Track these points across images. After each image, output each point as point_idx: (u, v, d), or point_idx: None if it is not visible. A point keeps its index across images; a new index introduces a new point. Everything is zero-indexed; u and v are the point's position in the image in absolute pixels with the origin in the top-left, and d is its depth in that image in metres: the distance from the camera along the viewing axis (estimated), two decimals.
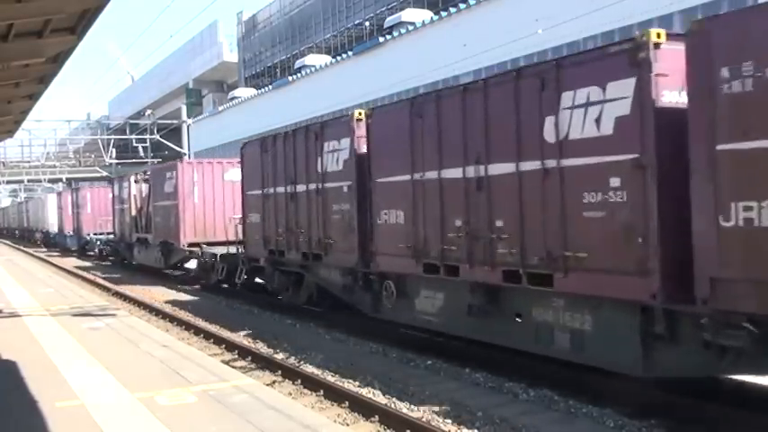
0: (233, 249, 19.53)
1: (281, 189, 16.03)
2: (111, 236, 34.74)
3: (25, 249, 50.85)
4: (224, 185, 23.67)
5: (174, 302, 20.30)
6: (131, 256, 30.60)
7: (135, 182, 29.61)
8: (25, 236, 67.81)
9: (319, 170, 14.33)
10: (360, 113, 13.22)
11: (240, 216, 18.85)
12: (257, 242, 17.38)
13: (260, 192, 16.97)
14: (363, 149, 13.12)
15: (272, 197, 16.48)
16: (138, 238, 28.72)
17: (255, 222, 17.49)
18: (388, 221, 12.36)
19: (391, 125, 12.40)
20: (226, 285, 21.42)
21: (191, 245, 23.54)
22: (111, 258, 36.37)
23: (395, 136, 12.12)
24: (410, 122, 11.72)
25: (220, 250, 20.97)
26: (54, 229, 50.80)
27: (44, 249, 50.91)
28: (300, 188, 15.19)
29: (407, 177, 11.78)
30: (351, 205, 13.40)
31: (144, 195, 28.51)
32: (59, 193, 51.33)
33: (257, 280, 19.14)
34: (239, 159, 21.74)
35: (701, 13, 19.82)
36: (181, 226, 23.66)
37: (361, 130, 13.16)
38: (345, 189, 13.54)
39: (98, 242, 37.84)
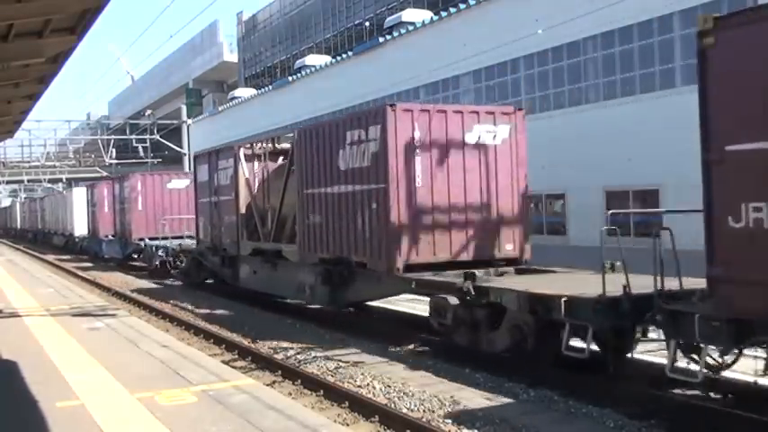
0: (645, 287, 8.65)
1: None
2: (184, 243, 25.51)
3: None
4: (465, 152, 13.37)
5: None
6: (234, 277, 20.20)
7: (246, 159, 19.26)
8: (40, 239, 57.38)
9: None
10: None
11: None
12: None
13: None
14: None
15: None
16: (254, 250, 18.55)
17: None
18: None
19: None
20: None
21: (411, 268, 12.93)
22: (173, 274, 26.27)
23: None
24: None
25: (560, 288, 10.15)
26: (80, 231, 41.35)
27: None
28: None
29: None
30: None
31: (269, 178, 18.55)
32: (90, 186, 40.42)
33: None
34: (503, 111, 14.10)
35: (701, 13, 19.81)
36: (391, 230, 12.78)
37: None
38: None
39: (159, 251, 27.23)
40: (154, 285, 25.35)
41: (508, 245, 12.48)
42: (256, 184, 19.42)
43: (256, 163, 19.66)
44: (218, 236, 20.68)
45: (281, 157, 19.12)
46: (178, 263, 25.77)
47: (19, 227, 72.34)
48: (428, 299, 12.40)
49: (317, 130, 15.70)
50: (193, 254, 23.55)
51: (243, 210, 19.20)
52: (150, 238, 29.09)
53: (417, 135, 13.12)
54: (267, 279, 18.18)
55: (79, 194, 42.63)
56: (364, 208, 13.66)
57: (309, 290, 15.82)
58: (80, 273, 29.78)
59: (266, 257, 17.98)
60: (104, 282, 26.07)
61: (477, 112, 13.83)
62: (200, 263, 22.87)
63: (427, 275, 12.67)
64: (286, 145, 18.44)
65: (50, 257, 39.73)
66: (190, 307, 19.07)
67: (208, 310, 18.47)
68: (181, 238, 26.89)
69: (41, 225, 56.23)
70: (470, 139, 13.46)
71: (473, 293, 11.07)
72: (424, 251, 13.13)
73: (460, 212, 13.42)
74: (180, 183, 30.37)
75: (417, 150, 13.15)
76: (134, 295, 21.44)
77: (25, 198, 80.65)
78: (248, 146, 19.95)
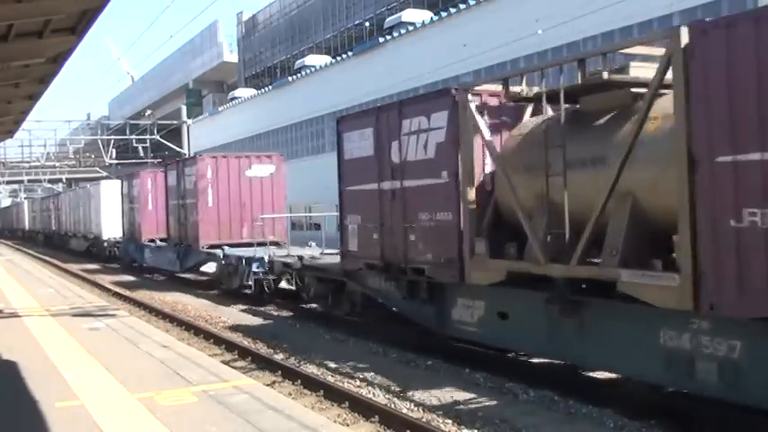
0: None
1: None
2: (306, 256, 17.12)
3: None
4: None
5: None
6: (441, 320, 11.84)
7: (478, 110, 10.85)
8: (54, 242, 51.10)
9: None
10: None
11: None
12: None
13: None
14: None
15: None
16: (510, 275, 10.18)
17: None
18: None
19: None
20: None
21: None
22: (265, 297, 19.14)
23: None
24: None
25: None
26: (110, 233, 34.85)
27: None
28: None
29: None
30: None
31: (551, 141, 9.56)
32: (128, 176, 31.68)
33: None
34: None
35: (701, 14, 19.84)
36: None
37: None
38: None
39: (254, 266, 19.00)
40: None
41: None
42: (508, 156, 10.60)
43: (489, 118, 11.11)
44: (399, 247, 12.28)
45: (530, 109, 11.24)
46: (291, 281, 18.47)
47: (27, 228, 66.16)
48: None
49: None
50: (332, 273, 15.21)
51: (472, 201, 10.73)
52: (230, 245, 21.68)
53: None
54: (550, 335, 9.68)
55: (109, 188, 35.52)
56: None
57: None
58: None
59: (557, 293, 9.49)
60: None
61: None
62: (341, 288, 15.11)
63: None
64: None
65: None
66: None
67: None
68: (277, 244, 20.47)
69: (56, 226, 49.43)
70: None
71: None
72: None
73: None
74: (262, 169, 23.39)
75: None
76: (132, 295, 20.99)
77: (26, 197, 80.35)
78: (486, 90, 11.30)
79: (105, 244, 35.90)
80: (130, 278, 28.19)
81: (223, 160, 23.24)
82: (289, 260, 17.75)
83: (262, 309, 18.44)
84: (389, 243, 12.63)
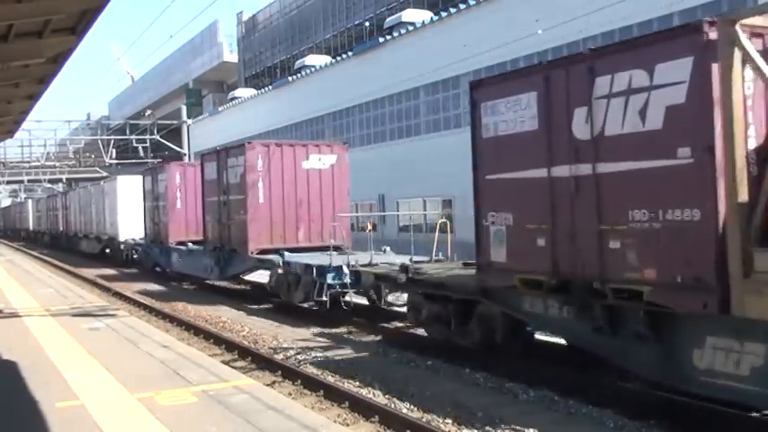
0: None
1: None
2: (426, 270, 13.14)
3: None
4: None
5: None
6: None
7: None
8: (62, 243, 47.56)
9: None
10: None
11: None
12: None
13: None
14: None
15: None
16: None
17: None
18: None
19: None
20: None
21: None
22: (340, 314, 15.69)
23: None
24: None
25: None
26: (127, 235, 31.41)
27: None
28: None
29: None
30: None
31: None
32: (152, 170, 28.44)
33: None
34: None
35: (701, 14, 19.85)
36: None
37: None
38: None
39: (330, 277, 15.53)
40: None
41: None
42: None
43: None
44: (588, 259, 8.95)
45: None
46: (376, 298, 15.80)
47: (32, 228, 62.73)
48: None
49: None
50: (460, 291, 11.72)
51: (743, 191, 7.21)
52: (289, 250, 18.21)
53: None
54: None
55: (127, 184, 31.93)
56: None
57: None
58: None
59: None
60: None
61: None
62: (468, 310, 11.63)
63: None
64: None
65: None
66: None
67: None
68: (338, 249, 17.34)
69: (64, 226, 45.64)
70: None
71: None
72: None
73: None
74: (321, 159, 19.79)
75: None
76: (132, 295, 21.10)
77: (26, 197, 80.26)
78: (753, 26, 7.36)
79: (122, 246, 32.05)
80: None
81: (276, 149, 19.46)
82: (385, 271, 14.11)
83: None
84: (569, 252, 9.21)
